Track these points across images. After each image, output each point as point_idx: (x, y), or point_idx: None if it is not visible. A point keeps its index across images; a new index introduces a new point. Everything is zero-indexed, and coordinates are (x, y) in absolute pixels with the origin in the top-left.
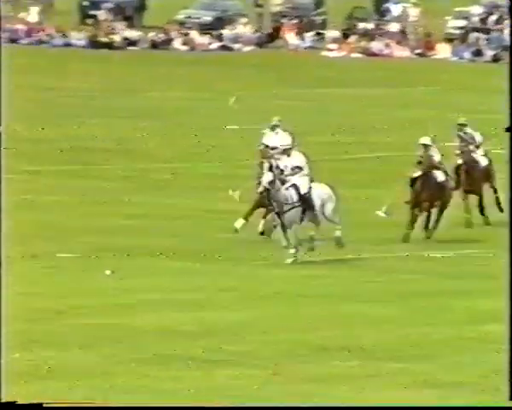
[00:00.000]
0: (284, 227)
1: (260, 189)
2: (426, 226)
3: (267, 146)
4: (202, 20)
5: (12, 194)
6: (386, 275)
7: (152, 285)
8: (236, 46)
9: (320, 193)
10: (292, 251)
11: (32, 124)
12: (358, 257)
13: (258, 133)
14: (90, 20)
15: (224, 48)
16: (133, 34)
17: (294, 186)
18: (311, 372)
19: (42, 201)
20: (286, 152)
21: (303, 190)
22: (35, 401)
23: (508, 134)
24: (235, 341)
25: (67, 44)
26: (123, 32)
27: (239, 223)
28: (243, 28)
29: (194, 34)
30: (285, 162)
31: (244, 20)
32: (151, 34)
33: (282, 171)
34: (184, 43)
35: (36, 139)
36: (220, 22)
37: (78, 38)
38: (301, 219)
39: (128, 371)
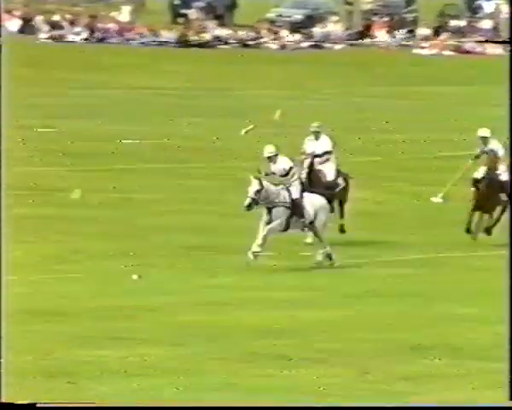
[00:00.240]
0: (269, 223)
1: (246, 202)
2: (485, 226)
3: (307, 153)
4: (293, 19)
5: (104, 191)
6: (475, 274)
7: (245, 283)
8: (327, 44)
9: (314, 202)
10: (257, 249)
11: (125, 122)
12: (441, 256)
13: (351, 131)
14: (181, 19)
15: (314, 46)
16: (224, 33)
17: (287, 189)
18: (401, 371)
19: (136, 198)
20: (327, 158)
21: (294, 195)
22: (41, 401)
23: None
24: (326, 339)
25: (158, 43)
26: (214, 30)
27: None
28: (334, 26)
29: (285, 32)
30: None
31: (335, 18)
32: (242, 33)
33: (273, 173)
34: (275, 42)
35: (128, 137)
36: (311, 20)
37: (169, 36)
38: (287, 224)
39: (219, 369)
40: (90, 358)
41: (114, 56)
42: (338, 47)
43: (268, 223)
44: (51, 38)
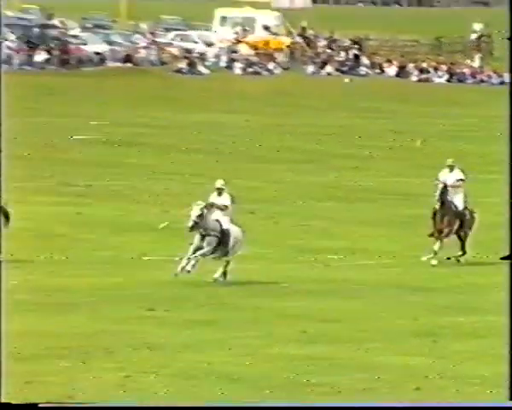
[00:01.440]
0: (200, 248)
1: (190, 224)
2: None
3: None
4: None
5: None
6: None
7: None
8: None
9: (236, 234)
10: (184, 264)
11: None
12: None
13: None
14: None
15: None
16: None
17: (218, 221)
18: None
19: None
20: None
21: (224, 226)
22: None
23: None
24: None
25: (502, 83)
26: None
27: None
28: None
29: None
30: (215, 200)
31: None
32: None
33: (211, 205)
34: None
35: None
36: None
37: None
38: (214, 250)
39: None
40: None
41: (469, 93)
42: None
43: (199, 248)
44: (419, 80)
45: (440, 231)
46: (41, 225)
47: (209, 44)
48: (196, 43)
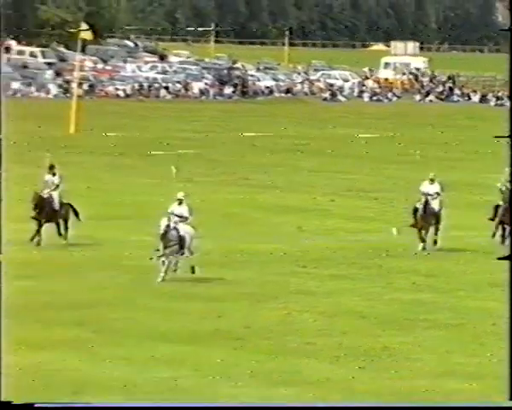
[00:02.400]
0: (166, 256)
1: (162, 232)
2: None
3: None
4: None
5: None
6: None
7: None
8: None
9: (190, 232)
10: (162, 274)
11: None
12: None
13: None
14: None
15: None
16: None
17: (176, 229)
18: None
19: None
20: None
21: (181, 233)
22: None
23: None
24: None
25: None
26: None
27: None
28: None
29: None
30: (179, 210)
31: None
32: None
33: (180, 216)
34: None
35: None
36: None
37: None
38: (179, 252)
39: None
40: None
41: None
42: None
43: (163, 255)
44: (496, 105)
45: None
46: (224, 207)
47: (345, 80)
48: (337, 79)
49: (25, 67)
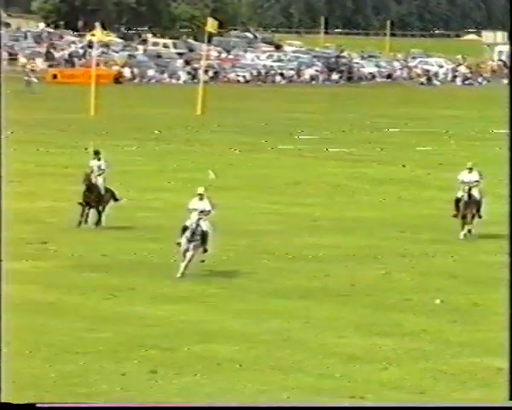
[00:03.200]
0: (190, 250)
1: (189, 225)
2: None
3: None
4: None
5: None
6: None
7: None
8: None
9: (210, 230)
10: (182, 269)
11: None
12: None
13: None
14: None
15: None
16: None
17: (199, 225)
18: None
19: None
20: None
21: (204, 228)
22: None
23: None
24: None
25: None
26: None
27: None
28: None
29: None
30: (201, 205)
31: None
32: None
33: (203, 212)
34: None
35: None
36: None
37: None
38: (200, 248)
39: None
40: None
41: None
42: None
43: (187, 250)
44: None
45: None
46: (332, 178)
47: (440, 66)
48: (432, 65)
49: (159, 56)
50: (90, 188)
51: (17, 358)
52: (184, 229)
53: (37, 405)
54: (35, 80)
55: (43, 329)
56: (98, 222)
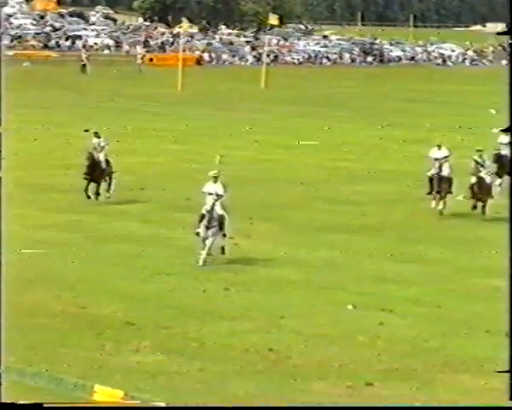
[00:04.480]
0: (210, 237)
1: (206, 210)
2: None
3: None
4: None
5: None
6: None
7: None
8: None
9: (224, 213)
10: (203, 256)
11: None
12: None
13: None
14: None
15: None
16: None
17: (215, 210)
18: None
19: None
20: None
21: (220, 212)
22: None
23: None
24: None
25: None
26: None
27: None
28: None
29: None
30: (214, 188)
31: None
32: None
33: (217, 196)
34: None
35: None
36: None
37: None
38: (219, 233)
39: None
40: None
41: None
42: None
43: (206, 238)
44: None
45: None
46: (368, 140)
47: (453, 51)
48: (446, 50)
49: (231, 44)
50: (93, 164)
51: (117, 279)
52: (202, 217)
53: (45, 405)
54: (140, 63)
55: (139, 255)
56: (98, 194)
